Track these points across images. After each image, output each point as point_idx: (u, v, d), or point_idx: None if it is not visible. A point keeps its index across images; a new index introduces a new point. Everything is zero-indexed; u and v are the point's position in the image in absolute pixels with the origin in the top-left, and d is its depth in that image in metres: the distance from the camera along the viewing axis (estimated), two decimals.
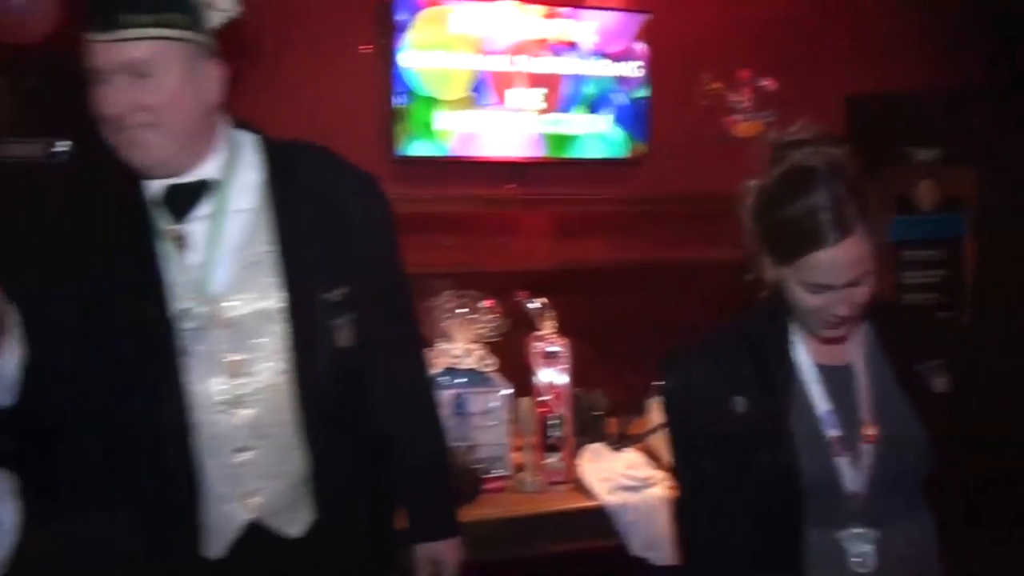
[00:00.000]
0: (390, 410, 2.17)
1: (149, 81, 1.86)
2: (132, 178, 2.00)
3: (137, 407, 1.93)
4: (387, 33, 4.40)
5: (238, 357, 1.97)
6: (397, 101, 4.38)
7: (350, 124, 4.45)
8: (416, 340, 2.34)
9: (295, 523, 2.03)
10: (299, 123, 4.35)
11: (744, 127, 4.67)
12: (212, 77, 1.99)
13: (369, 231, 2.15)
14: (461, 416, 3.37)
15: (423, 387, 2.31)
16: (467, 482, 3.21)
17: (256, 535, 1.99)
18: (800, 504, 1.93)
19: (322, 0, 4.43)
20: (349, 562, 2.10)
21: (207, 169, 2.02)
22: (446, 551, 2.24)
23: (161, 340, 1.93)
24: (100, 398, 1.92)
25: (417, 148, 4.41)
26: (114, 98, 1.86)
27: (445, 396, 3.32)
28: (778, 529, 1.94)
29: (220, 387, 1.95)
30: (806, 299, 1.92)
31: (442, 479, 2.32)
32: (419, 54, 4.37)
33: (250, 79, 4.26)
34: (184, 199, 2.00)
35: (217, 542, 1.97)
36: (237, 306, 1.98)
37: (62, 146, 4.22)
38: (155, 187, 2.01)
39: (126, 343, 1.93)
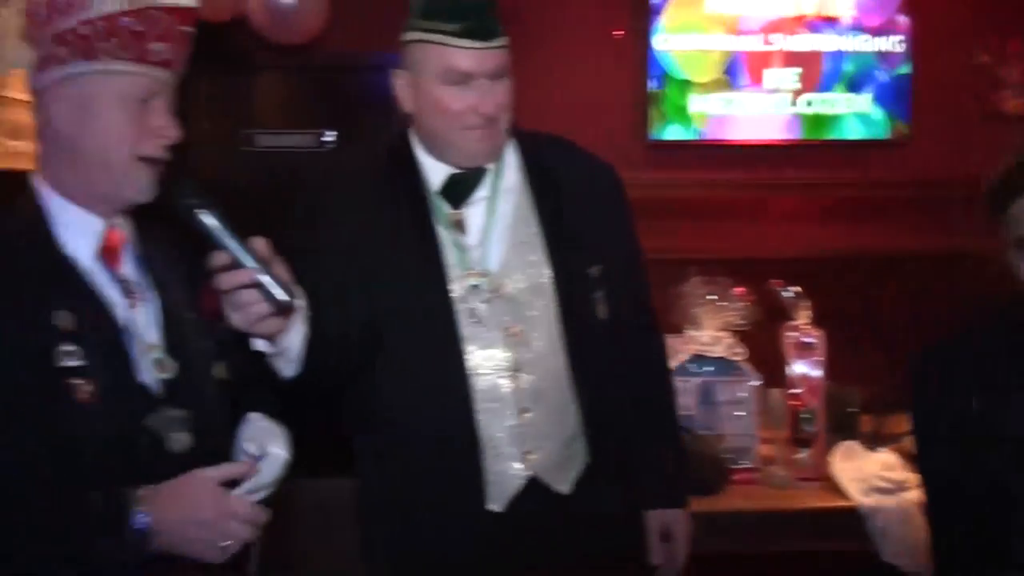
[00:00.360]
0: (632, 379, 2.29)
1: (502, 83, 2.07)
2: (411, 167, 2.19)
3: (425, 376, 2.11)
4: (641, 16, 4.37)
5: (517, 328, 2.12)
6: (651, 85, 4.33)
7: (603, 109, 4.48)
8: (654, 316, 2.45)
9: (566, 480, 2.16)
10: (553, 109, 4.48)
11: (1015, 104, 4.27)
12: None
13: (612, 214, 2.27)
14: (708, 405, 3.29)
15: (662, 360, 2.44)
16: (714, 472, 3.13)
17: (532, 490, 2.12)
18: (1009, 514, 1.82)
19: None
20: (612, 517, 2.23)
21: (500, 155, 2.19)
22: (678, 520, 2.34)
23: (445, 312, 2.12)
24: (393, 369, 2.13)
25: (671, 132, 4.37)
26: (490, 98, 2.05)
27: (692, 384, 3.25)
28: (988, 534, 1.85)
29: (503, 354, 2.11)
30: None
31: (677, 448, 2.43)
32: (673, 36, 4.31)
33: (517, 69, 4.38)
34: (463, 185, 2.17)
35: (499, 497, 2.11)
36: (513, 282, 2.14)
37: (329, 136, 4.51)
38: (436, 176, 2.18)
39: (415, 318, 2.13)
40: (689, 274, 3.45)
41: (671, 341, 3.46)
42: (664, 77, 4.34)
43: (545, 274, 2.16)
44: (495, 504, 2.12)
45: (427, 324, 2.12)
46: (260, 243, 1.68)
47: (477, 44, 2.03)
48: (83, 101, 1.63)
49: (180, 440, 1.68)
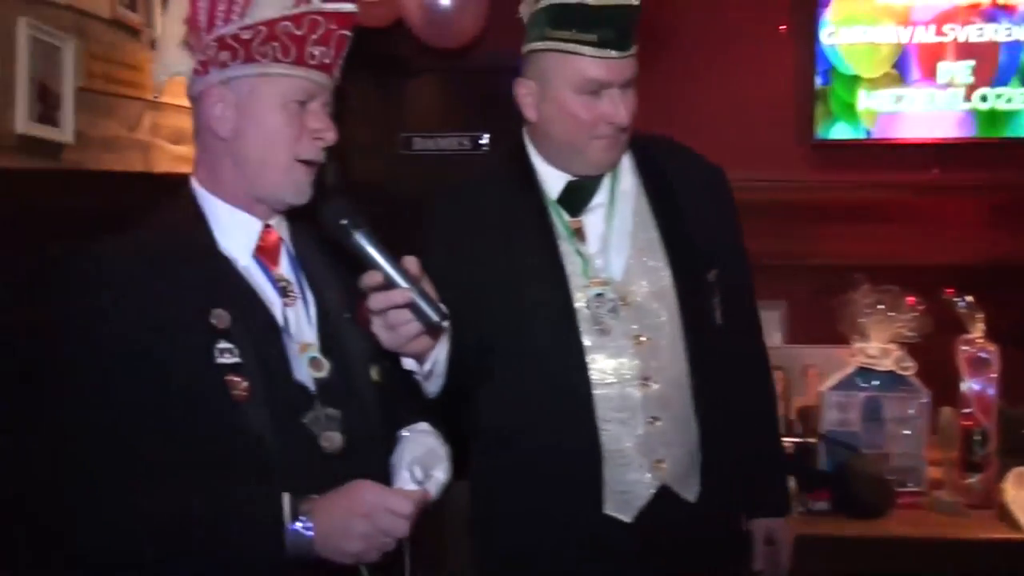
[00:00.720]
0: (740, 387, 2.26)
1: (630, 92, 2.07)
2: (529, 177, 2.19)
3: (550, 384, 2.10)
4: (806, 9, 4.21)
5: (643, 335, 2.10)
6: (817, 81, 4.17)
7: (766, 107, 4.34)
8: (759, 324, 2.41)
9: (692, 488, 2.14)
10: (713, 108, 4.41)
11: None
12: None
13: (725, 217, 2.27)
14: (874, 421, 3.12)
15: (767, 368, 2.42)
16: (878, 493, 2.97)
17: (661, 500, 2.10)
18: None
19: None
20: (733, 524, 2.27)
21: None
22: (782, 528, 2.35)
23: (569, 318, 2.09)
24: (517, 381, 2.12)
25: (837, 131, 4.19)
26: (623, 107, 2.04)
27: (857, 399, 3.10)
28: None
29: (632, 363, 2.09)
30: None
31: (781, 458, 2.49)
32: (840, 29, 4.12)
33: (665, 66, 4.31)
34: (581, 192, 2.16)
35: (628, 507, 2.09)
36: (638, 289, 2.12)
37: (485, 139, 4.53)
38: (554, 184, 2.17)
39: (543, 320, 2.11)
40: (856, 281, 3.30)
41: (837, 352, 3.33)
42: (831, 72, 4.16)
43: (666, 280, 2.15)
44: (623, 515, 2.09)
45: (551, 335, 2.10)
46: (411, 262, 1.68)
47: (613, 54, 2.02)
48: (242, 104, 1.67)
49: (333, 440, 1.69)
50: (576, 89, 2.05)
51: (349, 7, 1.69)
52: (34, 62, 2.77)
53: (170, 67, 1.74)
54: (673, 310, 2.14)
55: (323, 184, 1.79)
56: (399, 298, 1.62)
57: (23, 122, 2.71)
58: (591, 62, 2.03)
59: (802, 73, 4.27)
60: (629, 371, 2.09)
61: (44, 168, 2.84)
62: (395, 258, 1.65)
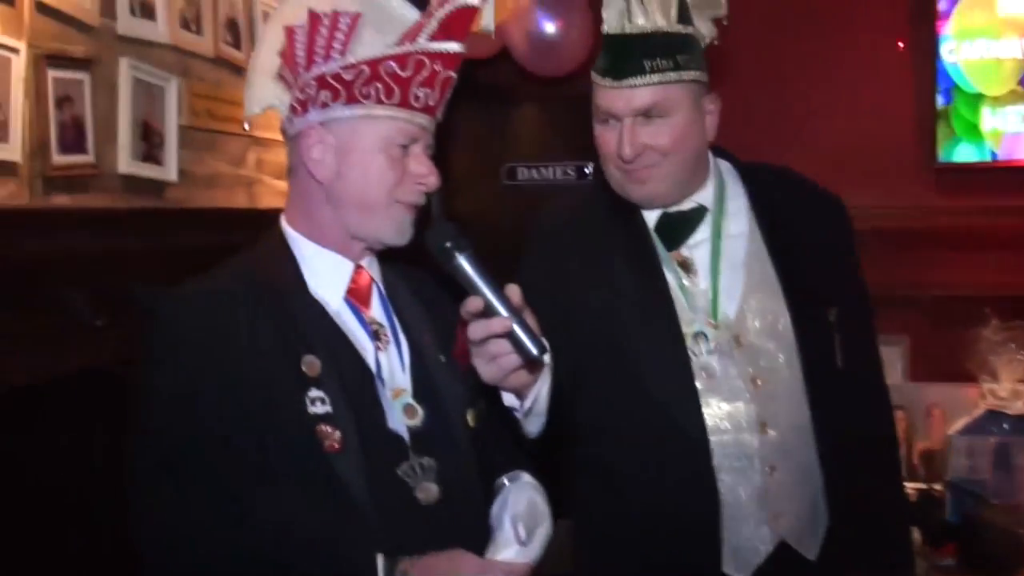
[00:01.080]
0: (862, 434, 2.11)
1: (658, 123, 1.94)
2: (631, 205, 2.10)
3: (660, 427, 1.99)
4: (925, 23, 4.01)
5: (759, 378, 1.99)
6: (938, 101, 3.96)
7: (884, 130, 4.14)
8: (881, 364, 2.23)
9: (813, 545, 2.03)
10: (827, 131, 4.23)
11: None
12: (711, 112, 2.04)
13: (844, 251, 2.16)
14: (1005, 469, 2.92)
15: (890, 414, 2.25)
16: (1008, 547, 2.76)
17: (779, 557, 1.99)
18: None
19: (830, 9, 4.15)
20: None
21: (698, 197, 2.08)
22: None
23: (683, 361, 1.99)
24: (621, 420, 2.02)
25: (961, 153, 3.96)
26: (626, 140, 1.94)
27: (986, 444, 2.91)
28: None
29: (748, 408, 1.98)
30: None
31: (904, 509, 2.37)
32: (962, 44, 3.91)
33: (776, 89, 4.17)
34: (678, 226, 2.07)
35: (744, 564, 1.98)
36: (752, 328, 2.01)
37: (591, 168, 4.45)
38: (650, 215, 2.08)
39: (651, 365, 2.01)
40: (984, 315, 3.10)
41: (963, 391, 3.13)
42: (953, 91, 3.94)
43: (783, 319, 2.02)
44: (739, 573, 1.97)
45: (661, 376, 2.00)
46: (514, 291, 1.61)
47: (611, 83, 1.94)
48: (343, 145, 1.61)
49: (429, 491, 1.63)
50: (595, 118, 2.01)
51: (456, 47, 1.62)
52: (137, 102, 2.79)
53: (262, 100, 1.70)
54: (791, 351, 2.01)
55: (426, 213, 1.73)
56: (499, 327, 1.55)
57: (126, 162, 2.73)
58: (597, 90, 1.98)
59: (922, 92, 4.06)
60: (745, 417, 1.97)
61: (148, 207, 2.86)
62: (498, 285, 1.59)
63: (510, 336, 1.56)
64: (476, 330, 1.58)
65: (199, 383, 1.53)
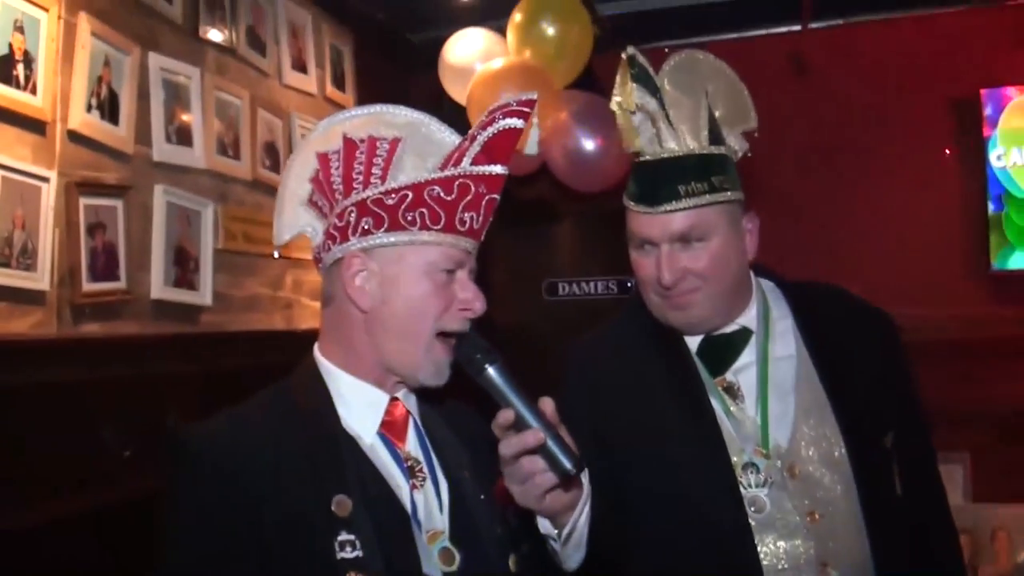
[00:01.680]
0: (928, 570, 1.92)
1: (696, 247, 1.86)
2: (673, 328, 2.00)
3: (711, 566, 1.83)
4: (973, 129, 3.93)
5: (815, 513, 1.83)
6: (990, 207, 3.85)
7: (935, 238, 4.04)
8: (944, 490, 2.05)
9: None
10: (877, 240, 4.13)
11: None
12: (750, 230, 1.96)
13: (897, 373, 1.99)
14: None
15: (956, 546, 2.04)
16: None
17: None
18: None
19: (893, 105, 4.10)
20: None
21: (742, 319, 1.97)
22: None
23: (733, 495, 1.84)
24: (669, 558, 1.86)
25: (1016, 260, 3.83)
26: (664, 266, 1.86)
27: None
28: None
29: (803, 546, 1.81)
30: None
31: None
32: (1011, 150, 3.82)
33: (821, 200, 4.09)
34: (721, 351, 1.97)
35: None
36: (804, 458, 1.87)
37: (631, 283, 4.37)
38: (692, 339, 1.97)
39: (699, 498, 1.85)
40: None
41: None
42: (1004, 197, 3.84)
43: (839, 447, 1.87)
44: None
45: (711, 512, 1.84)
46: (547, 404, 1.51)
47: (643, 209, 1.87)
48: (388, 272, 1.53)
49: None
50: (631, 243, 1.94)
51: (500, 169, 1.54)
52: (171, 227, 2.77)
53: (293, 227, 1.62)
54: (848, 482, 1.85)
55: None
56: (531, 440, 1.45)
57: (159, 287, 2.69)
58: (635, 216, 1.90)
59: (972, 199, 3.96)
60: (804, 555, 1.80)
61: (180, 332, 2.80)
62: (530, 398, 1.49)
63: (543, 451, 1.46)
64: (508, 445, 1.47)
65: (225, 524, 1.42)
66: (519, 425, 1.47)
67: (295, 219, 1.62)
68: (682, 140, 1.85)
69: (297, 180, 1.61)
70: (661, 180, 1.85)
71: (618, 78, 1.87)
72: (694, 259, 1.85)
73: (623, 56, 1.85)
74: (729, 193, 1.87)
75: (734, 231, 1.90)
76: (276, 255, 1.80)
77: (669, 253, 1.85)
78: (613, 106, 1.89)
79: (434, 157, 1.56)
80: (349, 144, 1.54)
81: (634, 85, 1.85)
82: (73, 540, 2.30)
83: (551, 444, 1.45)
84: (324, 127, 1.61)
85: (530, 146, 3.63)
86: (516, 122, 1.55)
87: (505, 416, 1.47)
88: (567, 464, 1.45)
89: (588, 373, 2.01)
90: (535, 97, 1.60)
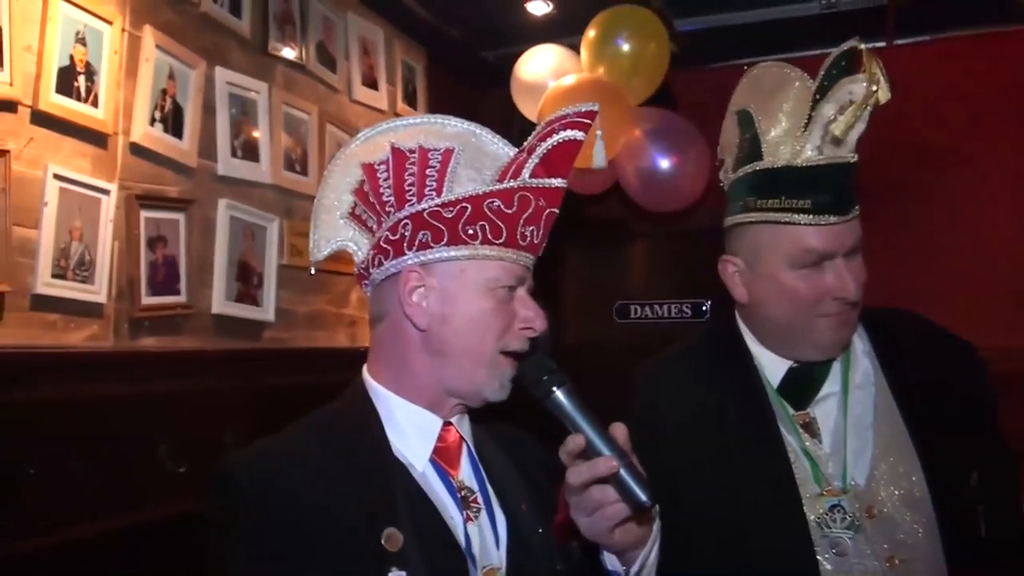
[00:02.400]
0: None
1: (857, 259, 1.76)
2: (745, 362, 1.87)
3: None
4: None
5: (895, 558, 1.69)
6: None
7: (1014, 268, 3.83)
8: None
9: None
10: (952, 271, 3.92)
11: None
12: None
13: (982, 405, 1.85)
14: None
15: None
16: None
17: None
18: None
19: (985, 121, 3.91)
20: None
21: None
22: None
23: (802, 538, 1.70)
24: None
25: None
26: (850, 277, 1.74)
27: None
28: None
29: None
30: None
31: None
32: None
33: (904, 231, 3.93)
34: (805, 382, 1.84)
35: None
36: (886, 498, 1.74)
37: (706, 306, 4.24)
38: (774, 370, 1.85)
39: (766, 541, 1.72)
40: None
41: None
42: None
43: (920, 486, 1.73)
44: None
45: (781, 557, 1.71)
46: (620, 430, 1.41)
47: (833, 219, 1.72)
48: (447, 289, 1.45)
49: None
50: (793, 263, 1.75)
51: (560, 182, 1.46)
52: (235, 242, 2.74)
53: (332, 242, 1.54)
54: (931, 523, 1.71)
55: (534, 345, 1.53)
56: (603, 468, 1.35)
57: (220, 303, 2.66)
58: (808, 231, 1.73)
59: None
60: None
61: (239, 348, 2.76)
62: (602, 423, 1.39)
63: (616, 480, 1.36)
64: (577, 473, 1.37)
65: (271, 560, 1.34)
66: (589, 452, 1.37)
67: (334, 233, 1.53)
68: (851, 145, 1.73)
69: (336, 192, 1.53)
70: (845, 186, 1.73)
71: (867, 64, 1.68)
72: (859, 271, 1.75)
73: (865, 48, 1.69)
74: None
75: None
76: (312, 271, 1.71)
77: (846, 265, 1.73)
78: (880, 95, 1.69)
79: (489, 169, 1.48)
80: (398, 154, 1.45)
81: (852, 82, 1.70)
82: (127, 556, 2.26)
83: (624, 473, 1.35)
84: (364, 137, 1.54)
85: (597, 159, 3.52)
86: (576, 134, 1.46)
87: (575, 442, 1.37)
88: (642, 496, 1.35)
89: (654, 399, 1.88)
90: (596, 108, 1.50)
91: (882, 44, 4.08)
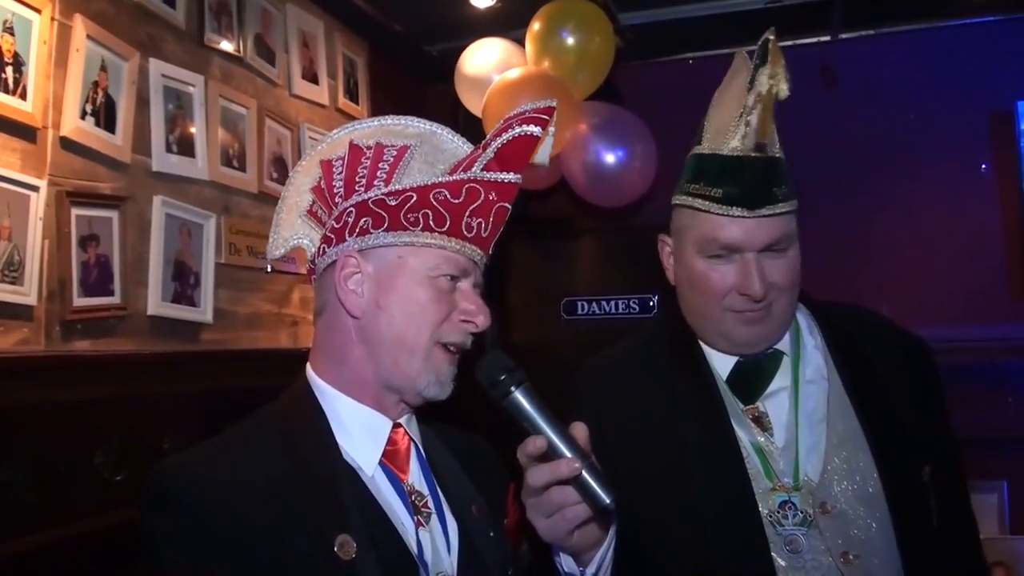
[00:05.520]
0: None
1: (780, 257, 1.73)
2: (693, 352, 1.85)
3: None
4: (1010, 144, 3.77)
5: (849, 553, 1.67)
6: None
7: (969, 255, 3.87)
8: (976, 527, 1.91)
9: None
10: (912, 261, 3.98)
11: None
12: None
13: (933, 401, 1.85)
14: None
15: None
16: None
17: None
18: None
19: (926, 118, 3.96)
20: None
21: (776, 342, 1.82)
22: None
23: (757, 534, 1.68)
24: None
25: None
26: (756, 276, 1.70)
27: None
28: None
29: None
30: None
31: None
32: None
33: (852, 217, 3.95)
34: (754, 376, 1.82)
35: None
36: (839, 493, 1.72)
37: (654, 302, 4.24)
38: (722, 362, 1.82)
39: (721, 538, 1.69)
40: None
41: None
42: None
43: (874, 481, 1.72)
44: None
45: (732, 553, 1.68)
46: (580, 430, 1.39)
47: (738, 212, 1.69)
48: (384, 275, 1.41)
49: None
50: (701, 251, 1.74)
51: (514, 177, 1.43)
52: (170, 241, 2.65)
53: (289, 240, 1.50)
54: (884, 519, 1.70)
55: (480, 345, 1.49)
56: (565, 469, 1.33)
57: (156, 303, 2.56)
58: (716, 220, 1.71)
59: (1010, 216, 3.80)
60: None
61: (177, 351, 2.68)
62: (562, 424, 1.36)
63: (577, 481, 1.33)
64: (538, 475, 1.34)
65: (216, 572, 1.28)
66: (549, 453, 1.34)
67: (292, 231, 1.50)
68: (772, 140, 1.70)
69: (298, 192, 1.50)
70: (761, 181, 1.69)
71: (771, 58, 1.66)
72: (777, 270, 1.71)
73: (769, 38, 1.65)
74: (797, 201, 1.74)
75: (798, 242, 1.77)
76: (268, 269, 1.66)
77: (757, 262, 1.70)
78: (779, 91, 1.67)
79: (443, 164, 1.45)
80: (356, 150, 1.43)
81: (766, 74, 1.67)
82: (62, 572, 2.17)
83: (587, 474, 1.33)
84: (331, 138, 1.52)
85: (541, 155, 3.47)
86: (533, 129, 1.44)
87: (536, 444, 1.34)
88: (605, 497, 1.33)
89: (600, 398, 1.84)
90: (555, 104, 1.48)
91: (827, 38, 4.11)
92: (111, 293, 2.40)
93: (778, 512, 1.69)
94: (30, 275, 2.14)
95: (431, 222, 1.39)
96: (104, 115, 2.45)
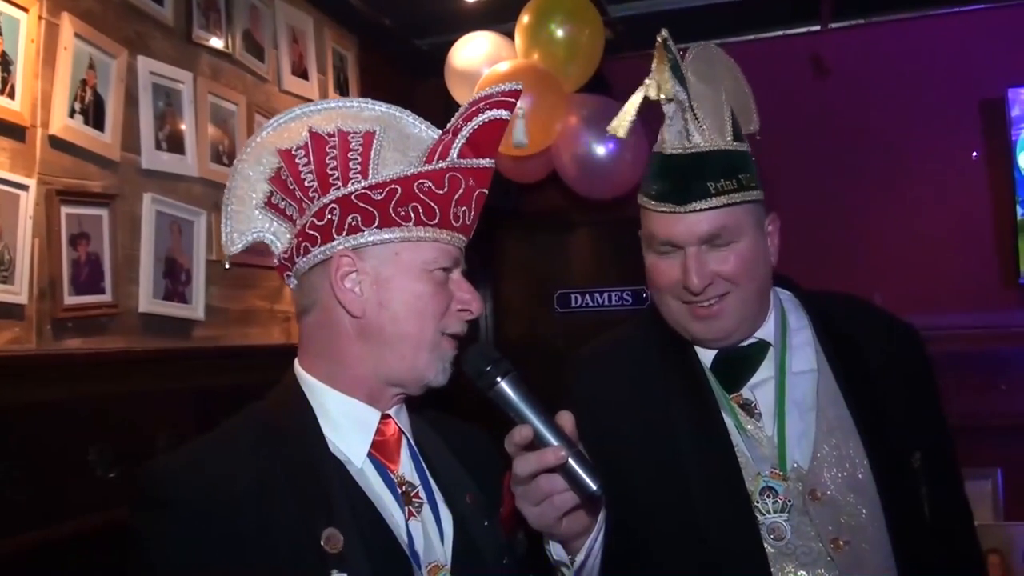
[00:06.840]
0: None
1: (724, 250, 1.73)
2: (682, 342, 1.85)
3: None
4: (999, 131, 3.78)
5: (839, 540, 1.69)
6: (1019, 213, 3.70)
7: (960, 243, 3.89)
8: (971, 514, 1.90)
9: None
10: (902, 250, 3.99)
11: None
12: (771, 233, 1.83)
13: (924, 388, 1.86)
14: None
15: (982, 567, 1.92)
16: None
17: None
18: None
19: (916, 106, 3.96)
20: None
21: (760, 332, 1.83)
22: None
23: (747, 521, 1.69)
24: None
25: None
26: (693, 269, 1.72)
27: None
28: None
29: (828, 575, 1.68)
30: None
31: None
32: None
33: (845, 205, 3.96)
34: (737, 366, 1.82)
35: None
36: (829, 480, 1.73)
37: (647, 294, 4.24)
38: (705, 353, 1.83)
39: (711, 525, 1.70)
40: None
41: None
42: None
43: (864, 468, 1.73)
44: None
45: (724, 539, 1.69)
46: (567, 419, 1.41)
47: (667, 208, 1.73)
48: (382, 273, 1.40)
49: None
50: (647, 246, 1.79)
51: (488, 163, 1.45)
52: (161, 238, 2.65)
53: (247, 234, 1.47)
54: (874, 506, 1.71)
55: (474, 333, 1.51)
56: (552, 458, 1.35)
57: (147, 301, 2.56)
58: (654, 216, 1.75)
59: (1001, 203, 3.80)
60: None
61: (169, 348, 2.68)
62: (548, 413, 1.38)
63: (564, 469, 1.35)
64: (525, 464, 1.35)
65: (203, 572, 1.28)
66: (536, 442, 1.35)
67: (248, 225, 1.47)
68: (708, 135, 1.71)
69: (248, 182, 1.46)
70: (689, 177, 1.70)
71: (654, 63, 1.72)
72: (722, 262, 1.71)
73: (659, 39, 1.69)
74: (755, 192, 1.74)
75: (760, 232, 1.77)
76: (227, 266, 1.64)
77: (697, 256, 1.71)
78: (648, 92, 1.73)
79: (414, 151, 1.44)
80: (317, 138, 1.41)
81: (670, 73, 1.70)
82: (56, 570, 2.17)
83: (573, 462, 1.34)
84: (275, 124, 1.47)
85: (517, 135, 3.47)
86: (501, 113, 1.44)
87: (522, 433, 1.35)
88: (591, 484, 1.35)
89: (590, 388, 1.86)
90: (519, 87, 1.48)
91: (817, 28, 4.11)
92: (102, 291, 2.40)
93: (772, 497, 1.71)
94: (21, 274, 2.15)
95: (422, 216, 1.39)
96: (93, 113, 2.45)
